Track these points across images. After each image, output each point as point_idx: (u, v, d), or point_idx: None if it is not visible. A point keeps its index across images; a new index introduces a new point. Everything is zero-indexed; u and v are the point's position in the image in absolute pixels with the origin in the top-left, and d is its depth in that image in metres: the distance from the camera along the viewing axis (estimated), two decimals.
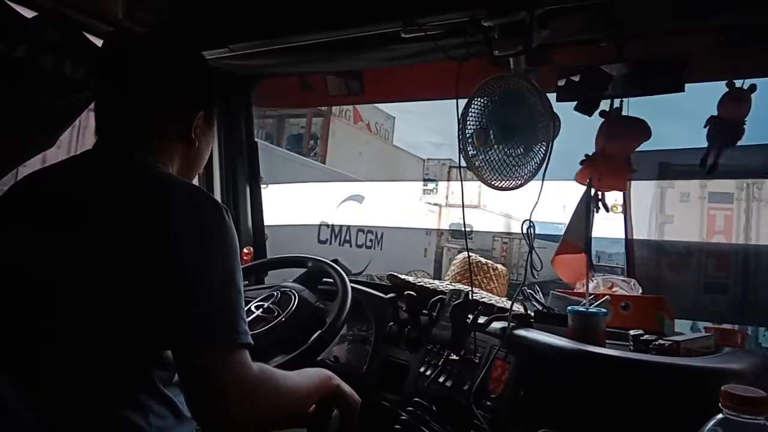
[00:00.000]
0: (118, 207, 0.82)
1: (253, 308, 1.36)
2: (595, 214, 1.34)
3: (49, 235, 0.83)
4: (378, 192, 10.21)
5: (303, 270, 1.54)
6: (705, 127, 1.29)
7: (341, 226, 8.63)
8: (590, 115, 1.34)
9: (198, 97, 0.98)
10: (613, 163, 1.39)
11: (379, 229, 9.58)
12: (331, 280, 1.44)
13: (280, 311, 1.35)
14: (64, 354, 0.78)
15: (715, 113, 1.27)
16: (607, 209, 1.41)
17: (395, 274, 1.65)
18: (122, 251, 0.78)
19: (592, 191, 1.34)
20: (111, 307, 0.78)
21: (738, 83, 1.25)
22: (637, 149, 1.40)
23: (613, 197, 1.46)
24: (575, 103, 1.34)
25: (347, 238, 8.89)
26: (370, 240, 9.55)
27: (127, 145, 0.91)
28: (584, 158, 1.42)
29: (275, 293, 1.41)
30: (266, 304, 1.37)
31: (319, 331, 1.27)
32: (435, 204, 13.01)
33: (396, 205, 10.67)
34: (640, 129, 1.36)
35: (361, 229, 9.23)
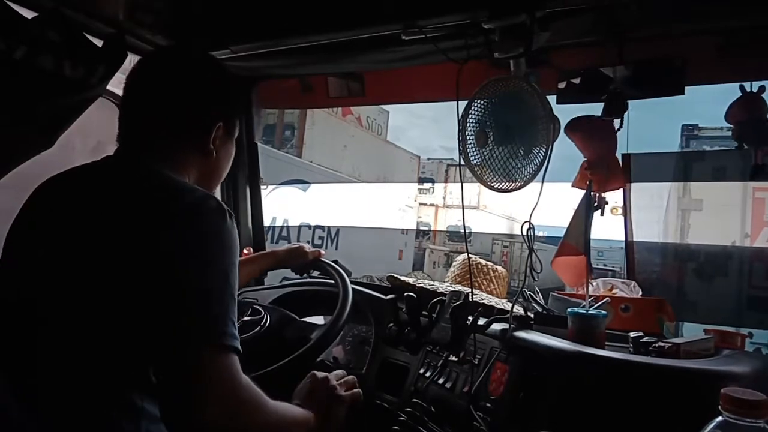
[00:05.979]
0: (124, 210, 0.84)
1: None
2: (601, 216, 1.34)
3: (57, 237, 0.86)
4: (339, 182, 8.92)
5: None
6: (731, 134, 1.30)
7: (274, 218, 7.07)
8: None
9: (216, 108, 0.99)
10: (606, 164, 1.39)
11: (333, 224, 8.12)
12: (332, 281, 1.44)
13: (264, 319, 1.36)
14: (61, 353, 0.79)
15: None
16: (602, 213, 1.41)
17: (395, 275, 1.65)
18: (124, 252, 0.80)
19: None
20: (111, 306, 0.80)
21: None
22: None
23: (614, 199, 1.46)
24: (577, 105, 1.34)
25: (284, 233, 7.34)
26: (320, 237, 8.09)
27: (143, 154, 0.93)
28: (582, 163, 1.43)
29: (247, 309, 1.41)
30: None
31: (320, 331, 1.27)
32: (431, 204, 12.75)
33: (361, 198, 9.31)
34: (607, 129, 1.38)
35: (305, 224, 7.76)
